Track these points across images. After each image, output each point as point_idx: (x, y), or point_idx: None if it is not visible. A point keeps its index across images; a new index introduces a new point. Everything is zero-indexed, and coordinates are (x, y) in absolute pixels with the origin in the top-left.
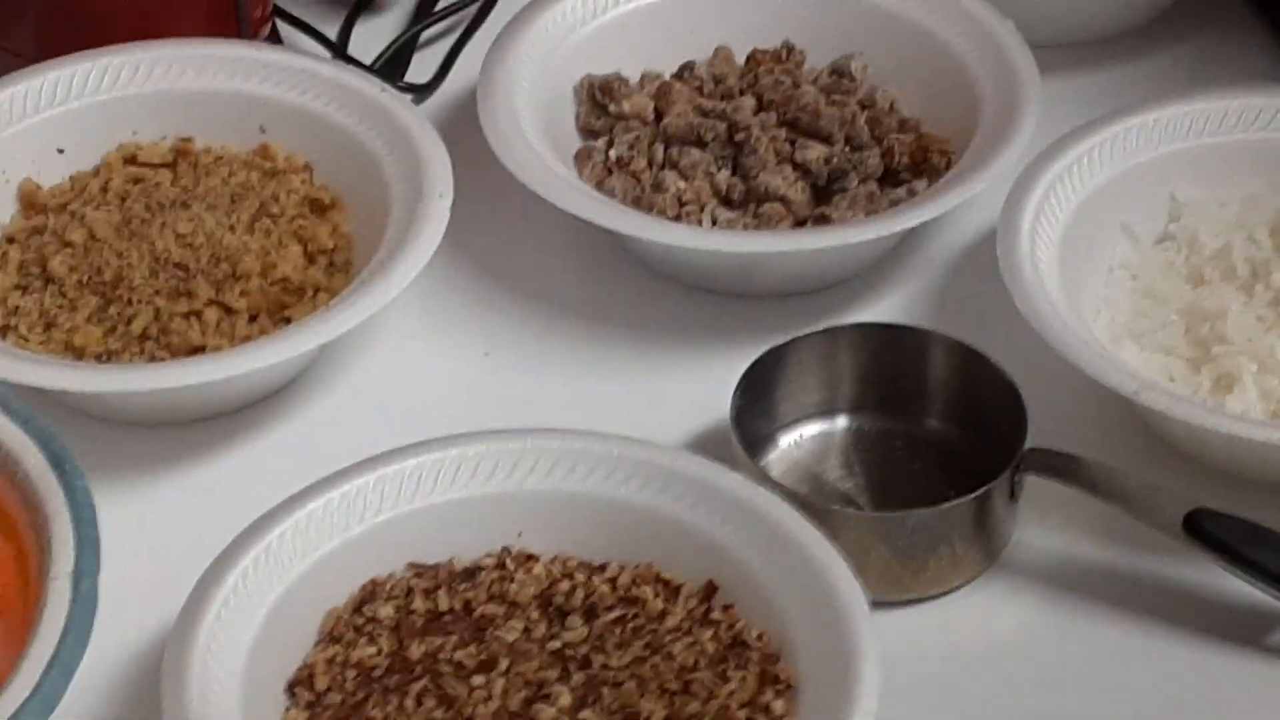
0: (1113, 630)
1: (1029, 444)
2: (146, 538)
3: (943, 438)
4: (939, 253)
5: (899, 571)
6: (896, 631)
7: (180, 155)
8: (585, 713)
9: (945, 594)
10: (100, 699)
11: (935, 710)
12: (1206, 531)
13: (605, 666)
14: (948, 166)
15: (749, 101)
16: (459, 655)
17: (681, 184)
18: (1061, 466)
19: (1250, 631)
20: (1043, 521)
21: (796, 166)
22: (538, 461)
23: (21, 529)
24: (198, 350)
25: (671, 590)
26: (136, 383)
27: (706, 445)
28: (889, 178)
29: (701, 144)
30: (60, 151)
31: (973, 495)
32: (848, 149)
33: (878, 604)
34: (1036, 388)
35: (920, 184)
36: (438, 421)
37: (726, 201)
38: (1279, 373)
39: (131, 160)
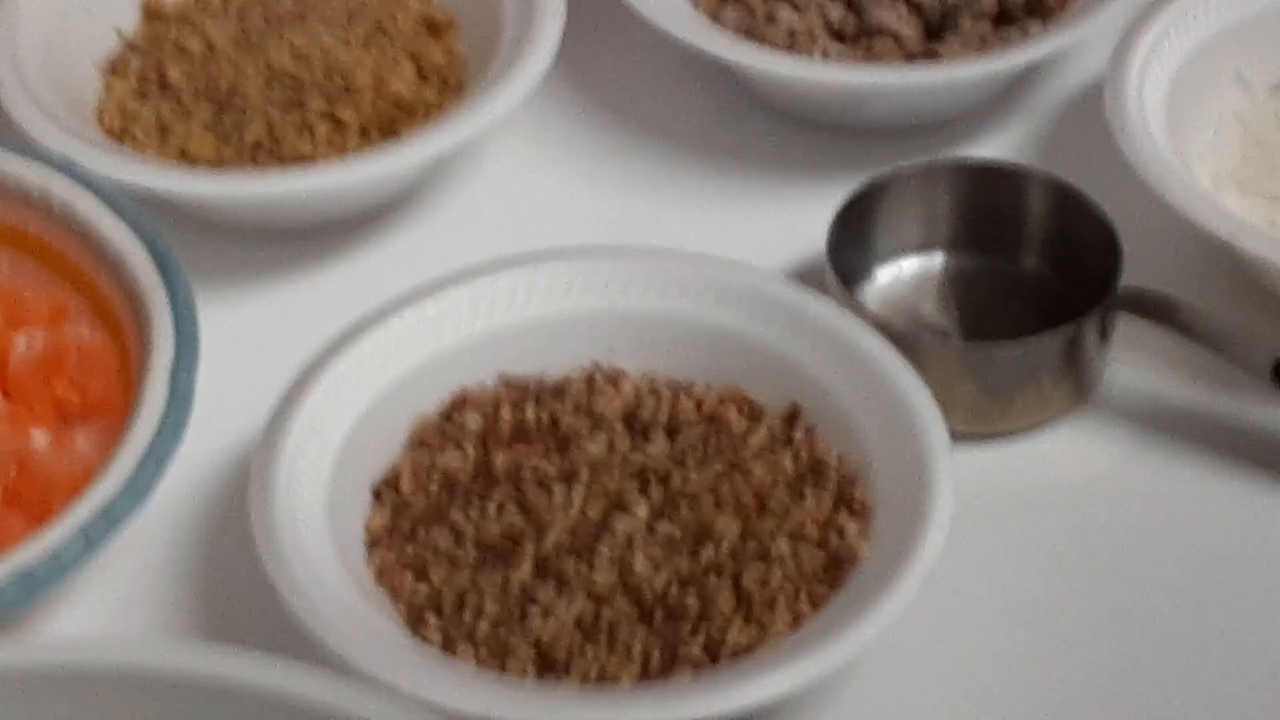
0: (1197, 475)
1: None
2: (247, 345)
3: (1039, 277)
4: (1050, 97)
5: (986, 406)
6: (980, 465)
7: None
8: (661, 525)
9: (1032, 431)
10: (193, 494)
11: (1010, 546)
12: None
13: (685, 482)
14: (1063, 8)
15: None
16: (542, 466)
17: (794, 16)
18: (1154, 306)
19: None
20: (1134, 365)
21: (910, 3)
22: (630, 280)
23: (126, 328)
24: (308, 161)
25: (755, 412)
26: (246, 189)
27: (804, 276)
28: (1004, 18)
29: None
30: None
31: (1063, 330)
32: None
33: (964, 437)
34: (1137, 232)
35: (1034, 24)
36: (540, 243)
37: (838, 35)
38: None
39: None
